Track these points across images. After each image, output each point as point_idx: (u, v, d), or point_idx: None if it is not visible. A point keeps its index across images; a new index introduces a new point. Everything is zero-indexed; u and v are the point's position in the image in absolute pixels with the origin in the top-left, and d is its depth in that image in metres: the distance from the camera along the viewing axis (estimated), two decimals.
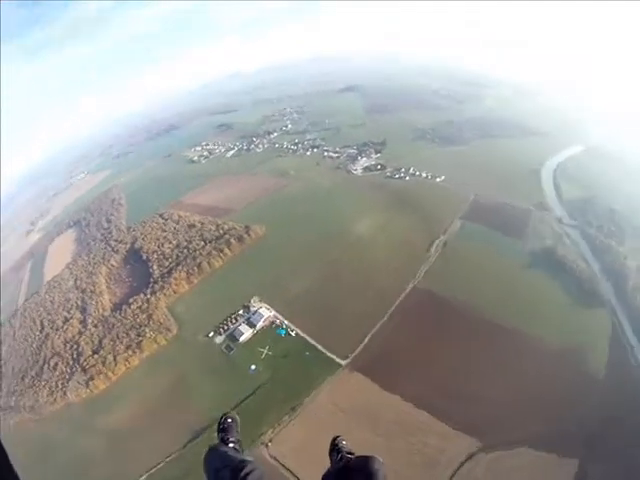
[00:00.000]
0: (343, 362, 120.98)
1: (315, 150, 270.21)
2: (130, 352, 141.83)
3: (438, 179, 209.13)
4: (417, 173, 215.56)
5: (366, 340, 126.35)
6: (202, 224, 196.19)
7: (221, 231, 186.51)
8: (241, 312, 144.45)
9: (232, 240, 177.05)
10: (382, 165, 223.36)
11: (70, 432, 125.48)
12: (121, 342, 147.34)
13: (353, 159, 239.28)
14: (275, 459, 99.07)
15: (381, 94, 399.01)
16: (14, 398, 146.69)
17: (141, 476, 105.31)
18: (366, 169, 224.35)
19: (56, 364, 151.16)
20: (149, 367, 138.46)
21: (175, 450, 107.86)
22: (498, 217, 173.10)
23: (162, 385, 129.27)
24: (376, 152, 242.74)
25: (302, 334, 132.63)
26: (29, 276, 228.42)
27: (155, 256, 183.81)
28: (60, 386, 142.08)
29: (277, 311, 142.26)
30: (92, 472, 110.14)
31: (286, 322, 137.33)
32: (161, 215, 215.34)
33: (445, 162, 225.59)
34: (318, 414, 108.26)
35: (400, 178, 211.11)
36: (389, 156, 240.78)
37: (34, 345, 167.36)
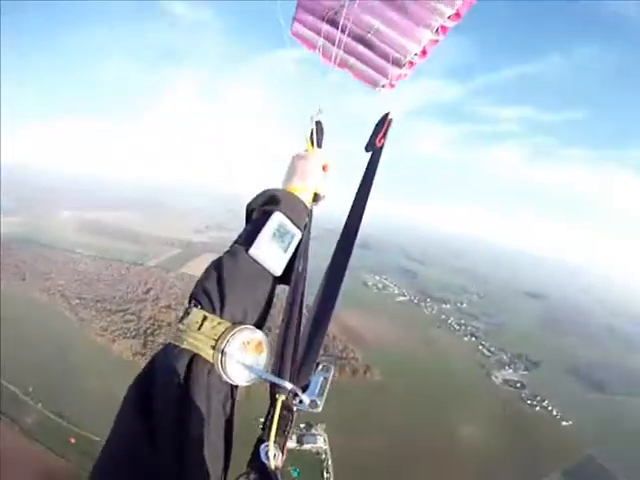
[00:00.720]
0: None
1: (472, 339, 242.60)
2: None
3: (564, 422, 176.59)
4: (549, 408, 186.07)
5: None
6: (334, 338, 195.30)
7: (344, 354, 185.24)
8: (302, 425, 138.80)
9: (346, 368, 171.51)
10: (522, 384, 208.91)
11: None
12: None
13: (500, 365, 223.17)
14: None
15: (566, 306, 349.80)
16: (77, 301, 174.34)
17: None
18: (505, 382, 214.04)
19: (130, 321, 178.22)
20: None
21: None
22: None
23: None
24: (525, 369, 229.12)
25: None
26: (170, 255, 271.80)
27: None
28: (115, 333, 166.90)
29: (332, 449, 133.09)
30: None
31: (329, 463, 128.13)
32: None
33: (584, 407, 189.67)
34: None
35: (531, 406, 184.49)
36: (534, 378, 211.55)
37: (129, 295, 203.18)
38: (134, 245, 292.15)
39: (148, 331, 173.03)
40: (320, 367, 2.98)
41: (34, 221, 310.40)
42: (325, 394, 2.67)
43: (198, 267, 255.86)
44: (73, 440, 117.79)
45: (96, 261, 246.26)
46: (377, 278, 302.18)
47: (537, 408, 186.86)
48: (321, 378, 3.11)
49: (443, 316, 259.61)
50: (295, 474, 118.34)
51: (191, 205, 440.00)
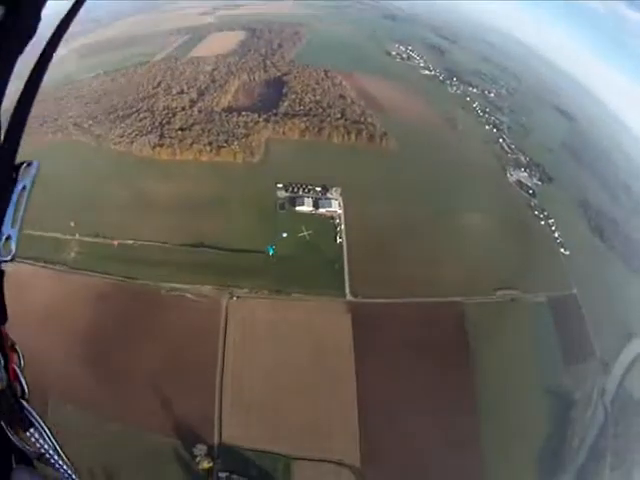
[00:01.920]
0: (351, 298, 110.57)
1: (494, 130, 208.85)
2: (207, 148, 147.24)
3: (563, 250, 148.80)
4: (552, 228, 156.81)
5: None
6: (352, 102, 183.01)
7: (362, 119, 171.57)
8: (318, 189, 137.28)
9: (363, 133, 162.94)
10: (534, 193, 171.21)
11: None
12: (207, 136, 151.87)
13: (517, 165, 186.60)
14: None
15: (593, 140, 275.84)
16: (90, 122, 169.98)
17: None
18: (519, 183, 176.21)
19: (144, 118, 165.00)
20: (210, 171, 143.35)
21: None
22: None
23: (205, 192, 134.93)
24: (540, 179, 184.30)
25: (345, 250, 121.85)
26: (177, 44, 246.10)
27: (292, 96, 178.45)
28: (132, 135, 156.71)
29: (346, 215, 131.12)
30: None
31: (343, 228, 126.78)
32: (327, 72, 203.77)
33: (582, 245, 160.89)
34: None
35: (536, 217, 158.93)
36: (545, 192, 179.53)
37: (140, 94, 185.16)
38: (139, 48, 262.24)
39: (163, 122, 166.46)
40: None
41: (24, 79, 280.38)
42: (22, 214, 2.76)
43: (208, 48, 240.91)
44: (116, 243, 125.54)
45: (100, 78, 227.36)
46: (402, 48, 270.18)
47: (542, 222, 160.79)
48: (19, 187, 2.91)
49: (468, 99, 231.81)
50: (270, 251, 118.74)
51: None
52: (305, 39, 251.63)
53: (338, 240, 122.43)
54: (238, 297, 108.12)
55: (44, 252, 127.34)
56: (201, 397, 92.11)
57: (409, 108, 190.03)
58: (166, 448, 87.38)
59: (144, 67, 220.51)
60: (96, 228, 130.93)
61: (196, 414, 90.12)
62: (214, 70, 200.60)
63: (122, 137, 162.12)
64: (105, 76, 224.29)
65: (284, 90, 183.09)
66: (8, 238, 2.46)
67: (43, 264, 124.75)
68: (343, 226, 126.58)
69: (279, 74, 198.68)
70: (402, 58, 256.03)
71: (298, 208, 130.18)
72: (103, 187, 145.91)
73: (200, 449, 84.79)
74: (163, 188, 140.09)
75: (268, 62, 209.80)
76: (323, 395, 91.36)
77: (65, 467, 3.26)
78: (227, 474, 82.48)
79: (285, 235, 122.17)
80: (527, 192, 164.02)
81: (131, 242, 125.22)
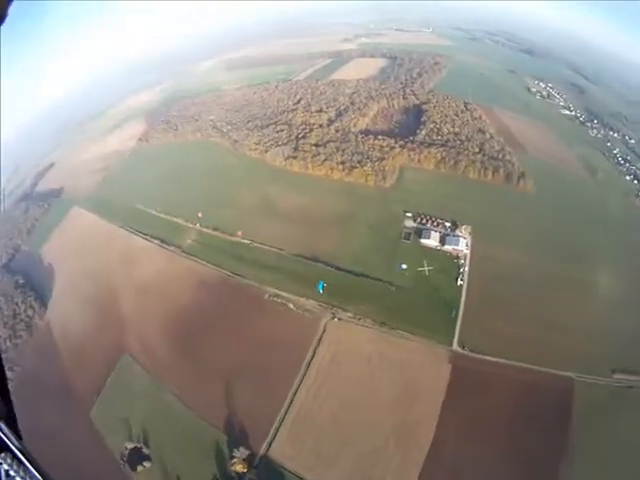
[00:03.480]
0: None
1: (635, 182, 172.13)
2: (339, 167, 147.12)
3: None
4: None
5: None
6: (491, 137, 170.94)
7: (500, 156, 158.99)
8: (447, 224, 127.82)
9: (501, 171, 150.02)
10: None
11: None
12: (341, 155, 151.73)
13: None
14: None
15: None
16: (229, 127, 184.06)
17: None
18: None
19: (281, 130, 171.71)
20: (339, 190, 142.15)
21: None
22: None
23: (331, 208, 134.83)
24: None
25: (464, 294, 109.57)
26: (320, 66, 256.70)
27: (431, 125, 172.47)
28: (267, 144, 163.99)
29: (471, 257, 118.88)
30: None
31: (466, 270, 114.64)
32: (466, 104, 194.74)
33: None
34: None
35: None
36: None
37: (280, 108, 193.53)
38: (281, 66, 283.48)
39: (299, 136, 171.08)
40: None
41: (177, 81, 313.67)
42: None
43: (348, 72, 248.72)
44: (240, 233, 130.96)
45: (242, 90, 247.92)
46: (541, 85, 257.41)
47: None
48: None
49: (609, 144, 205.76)
50: (320, 287, 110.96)
51: (336, 20, 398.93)
52: (445, 69, 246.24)
53: (459, 282, 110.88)
54: (340, 319, 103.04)
55: (164, 233, 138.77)
56: (267, 405, 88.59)
57: (549, 149, 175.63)
58: (209, 438, 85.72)
59: (286, 84, 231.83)
60: (218, 222, 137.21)
61: (255, 418, 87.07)
62: (354, 93, 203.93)
63: (258, 145, 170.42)
64: (248, 88, 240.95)
65: (422, 118, 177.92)
66: None
67: (159, 243, 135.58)
68: (467, 268, 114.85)
69: (418, 102, 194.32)
70: (542, 96, 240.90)
71: (423, 241, 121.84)
72: (233, 187, 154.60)
73: (241, 453, 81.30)
74: (290, 198, 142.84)
75: (407, 90, 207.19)
76: (391, 443, 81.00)
77: None
78: None
79: (404, 267, 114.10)
80: None
81: (248, 242, 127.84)
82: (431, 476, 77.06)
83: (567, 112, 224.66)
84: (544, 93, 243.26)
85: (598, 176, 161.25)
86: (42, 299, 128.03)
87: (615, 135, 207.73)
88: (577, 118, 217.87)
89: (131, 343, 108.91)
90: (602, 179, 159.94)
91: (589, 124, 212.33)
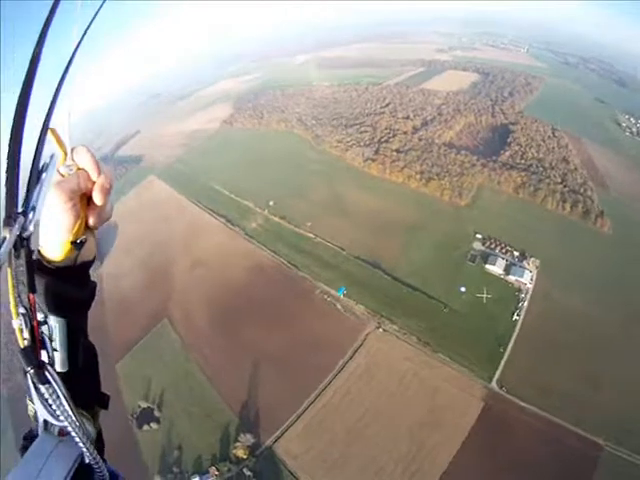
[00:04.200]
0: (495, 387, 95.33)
1: None
2: (417, 176, 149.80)
3: None
4: None
5: None
6: (575, 169, 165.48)
7: (582, 190, 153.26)
8: (516, 253, 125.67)
9: (579, 206, 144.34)
10: None
11: None
12: (421, 165, 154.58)
13: None
14: None
15: None
16: (313, 122, 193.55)
17: None
18: None
19: (365, 131, 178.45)
20: (413, 199, 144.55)
21: None
22: None
23: (401, 217, 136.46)
24: None
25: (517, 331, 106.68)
26: (411, 73, 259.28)
27: (516, 147, 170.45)
28: (349, 143, 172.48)
29: (533, 292, 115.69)
30: None
31: (525, 306, 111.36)
32: (554, 131, 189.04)
33: None
34: None
35: None
36: None
37: (366, 110, 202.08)
38: (374, 69, 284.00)
39: (382, 139, 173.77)
40: None
41: (270, 72, 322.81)
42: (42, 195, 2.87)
43: (440, 83, 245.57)
44: (309, 224, 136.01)
45: (332, 88, 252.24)
46: (632, 121, 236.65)
47: None
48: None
49: None
50: (339, 292, 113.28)
51: (432, 29, 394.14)
52: (537, 92, 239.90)
53: (515, 317, 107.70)
54: (384, 330, 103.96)
55: (232, 214, 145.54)
56: (288, 399, 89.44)
57: (633, 191, 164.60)
58: (221, 417, 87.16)
59: (376, 87, 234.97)
60: (286, 212, 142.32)
61: (271, 410, 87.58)
62: (443, 104, 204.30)
63: (340, 142, 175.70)
64: (338, 87, 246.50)
65: (508, 139, 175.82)
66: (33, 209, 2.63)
67: (225, 221, 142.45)
68: (526, 303, 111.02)
69: (506, 122, 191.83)
70: (632, 132, 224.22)
71: (488, 266, 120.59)
72: (308, 181, 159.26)
73: (247, 439, 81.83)
74: (362, 200, 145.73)
75: (497, 108, 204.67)
76: (400, 469, 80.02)
77: (76, 431, 3.35)
78: (252, 474, 78.23)
79: (464, 290, 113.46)
80: None
81: (312, 236, 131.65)
82: None
83: None
84: (634, 130, 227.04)
85: None
86: (100, 255, 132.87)
87: None
88: None
89: (173, 309, 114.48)
90: None
91: None
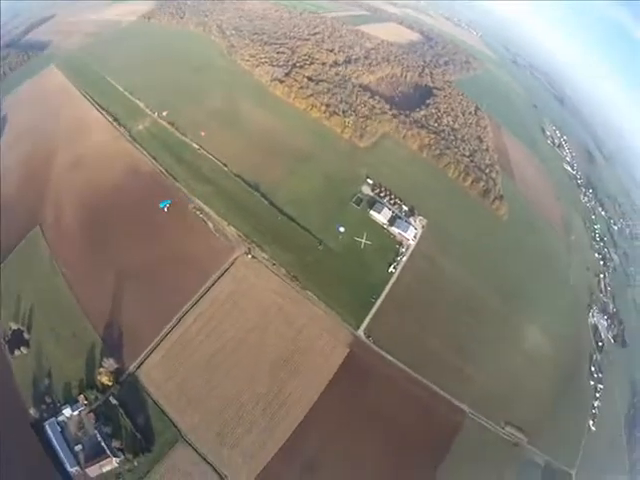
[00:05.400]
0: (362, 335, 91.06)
1: None
2: (322, 108, 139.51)
3: None
4: None
5: None
6: (486, 150, 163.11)
7: (487, 170, 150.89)
8: (405, 208, 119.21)
9: (481, 184, 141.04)
10: (602, 346, 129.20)
11: None
12: (329, 98, 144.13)
13: (603, 311, 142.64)
14: None
15: None
16: (233, 31, 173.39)
17: None
18: (594, 327, 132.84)
19: (282, 53, 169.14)
20: (311, 128, 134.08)
21: None
22: None
23: (294, 143, 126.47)
24: (615, 339, 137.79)
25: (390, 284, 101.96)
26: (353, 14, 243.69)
27: (433, 110, 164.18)
28: (262, 59, 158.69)
29: (414, 250, 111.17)
30: None
31: (404, 261, 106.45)
32: (477, 109, 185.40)
33: None
34: None
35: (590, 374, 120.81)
36: (614, 355, 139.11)
37: (292, 33, 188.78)
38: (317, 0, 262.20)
39: (298, 64, 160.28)
40: None
41: None
42: None
43: (378, 31, 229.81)
44: (204, 133, 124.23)
45: (266, 4, 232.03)
46: (557, 134, 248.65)
47: (591, 382, 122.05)
48: None
49: (593, 216, 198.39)
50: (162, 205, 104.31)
51: None
52: (473, 72, 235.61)
53: (391, 269, 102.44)
54: (254, 257, 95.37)
55: (120, 112, 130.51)
56: (151, 321, 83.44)
57: (536, 190, 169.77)
58: (86, 338, 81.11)
59: (312, 15, 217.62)
60: (177, 117, 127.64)
61: (134, 332, 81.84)
62: (372, 49, 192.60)
63: (252, 57, 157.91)
64: (273, 5, 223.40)
65: (428, 101, 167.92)
66: None
67: (112, 120, 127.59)
68: (405, 259, 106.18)
69: (431, 85, 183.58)
70: (553, 143, 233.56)
71: (373, 213, 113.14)
72: (208, 88, 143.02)
73: (110, 364, 76.95)
74: (258, 118, 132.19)
75: (427, 70, 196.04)
76: (260, 407, 76.91)
77: None
78: (118, 403, 74.31)
79: (342, 230, 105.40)
80: (596, 342, 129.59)
81: (196, 147, 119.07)
82: (285, 461, 72.05)
83: (569, 169, 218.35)
84: (556, 141, 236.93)
85: (571, 239, 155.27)
86: None
87: (603, 213, 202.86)
88: (576, 179, 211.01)
89: (46, 215, 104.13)
90: (574, 244, 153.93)
91: (584, 189, 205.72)
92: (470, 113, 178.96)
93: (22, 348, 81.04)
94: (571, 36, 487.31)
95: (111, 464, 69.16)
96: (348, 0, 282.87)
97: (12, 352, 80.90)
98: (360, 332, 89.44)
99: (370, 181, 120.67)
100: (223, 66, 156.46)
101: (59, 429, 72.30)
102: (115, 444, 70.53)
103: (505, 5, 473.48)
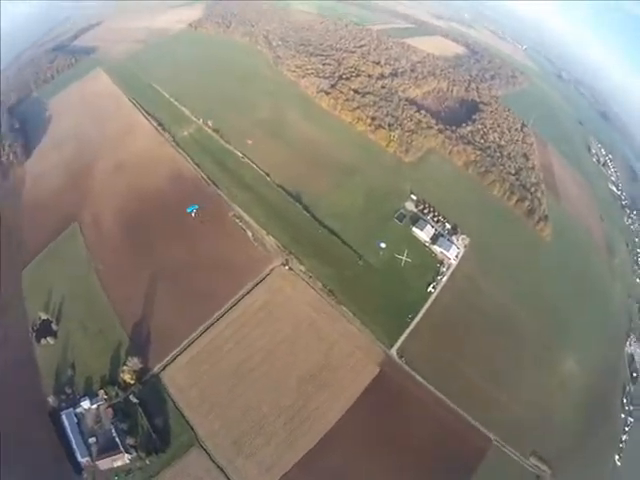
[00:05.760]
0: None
1: None
2: (367, 120, 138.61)
3: None
4: None
5: None
6: (532, 168, 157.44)
7: (533, 189, 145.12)
8: (448, 226, 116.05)
9: (526, 203, 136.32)
10: (636, 377, 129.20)
11: None
12: (374, 111, 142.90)
13: None
14: None
15: None
16: (279, 42, 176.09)
17: None
18: (630, 357, 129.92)
19: (328, 64, 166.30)
20: (357, 142, 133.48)
21: None
22: None
23: (336, 156, 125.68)
24: None
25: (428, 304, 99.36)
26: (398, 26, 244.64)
27: (479, 126, 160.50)
28: (308, 71, 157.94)
29: (455, 270, 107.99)
30: None
31: (444, 281, 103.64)
32: (523, 126, 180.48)
33: None
34: None
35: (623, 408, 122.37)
36: None
37: (338, 45, 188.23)
38: (361, 10, 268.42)
39: (344, 76, 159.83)
40: None
41: None
42: None
43: (425, 44, 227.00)
44: (250, 142, 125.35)
45: (311, 15, 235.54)
46: (602, 152, 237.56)
47: (622, 415, 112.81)
48: None
49: (637, 240, 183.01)
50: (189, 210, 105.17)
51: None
52: (519, 86, 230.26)
53: (430, 289, 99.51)
54: (290, 268, 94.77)
55: (166, 118, 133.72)
56: (180, 325, 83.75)
57: (580, 210, 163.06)
58: (114, 336, 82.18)
59: (357, 27, 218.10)
60: (222, 125, 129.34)
61: (162, 334, 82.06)
62: (419, 62, 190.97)
63: (298, 68, 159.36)
64: (317, 17, 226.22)
65: (474, 117, 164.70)
66: None
67: (157, 125, 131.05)
68: (445, 279, 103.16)
69: (478, 100, 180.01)
70: (598, 161, 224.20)
71: (415, 230, 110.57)
72: (254, 98, 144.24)
73: (134, 364, 77.17)
74: (304, 130, 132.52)
75: (473, 85, 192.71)
76: (282, 420, 75.81)
77: None
78: (138, 402, 74.56)
79: (383, 246, 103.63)
80: (631, 373, 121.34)
81: (240, 155, 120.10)
82: (302, 476, 70.05)
83: (614, 189, 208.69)
84: (601, 159, 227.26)
85: (615, 262, 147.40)
86: (28, 147, 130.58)
87: None
88: (620, 199, 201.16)
89: (85, 214, 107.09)
90: (617, 267, 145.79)
91: (628, 211, 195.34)
92: (516, 129, 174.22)
93: (49, 338, 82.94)
94: (621, 51, 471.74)
95: (123, 460, 70.01)
96: (393, 10, 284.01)
97: (38, 340, 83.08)
98: (393, 351, 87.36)
99: (414, 197, 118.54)
100: (269, 76, 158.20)
101: (75, 420, 73.68)
102: (129, 441, 71.31)
103: (551, 19, 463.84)
